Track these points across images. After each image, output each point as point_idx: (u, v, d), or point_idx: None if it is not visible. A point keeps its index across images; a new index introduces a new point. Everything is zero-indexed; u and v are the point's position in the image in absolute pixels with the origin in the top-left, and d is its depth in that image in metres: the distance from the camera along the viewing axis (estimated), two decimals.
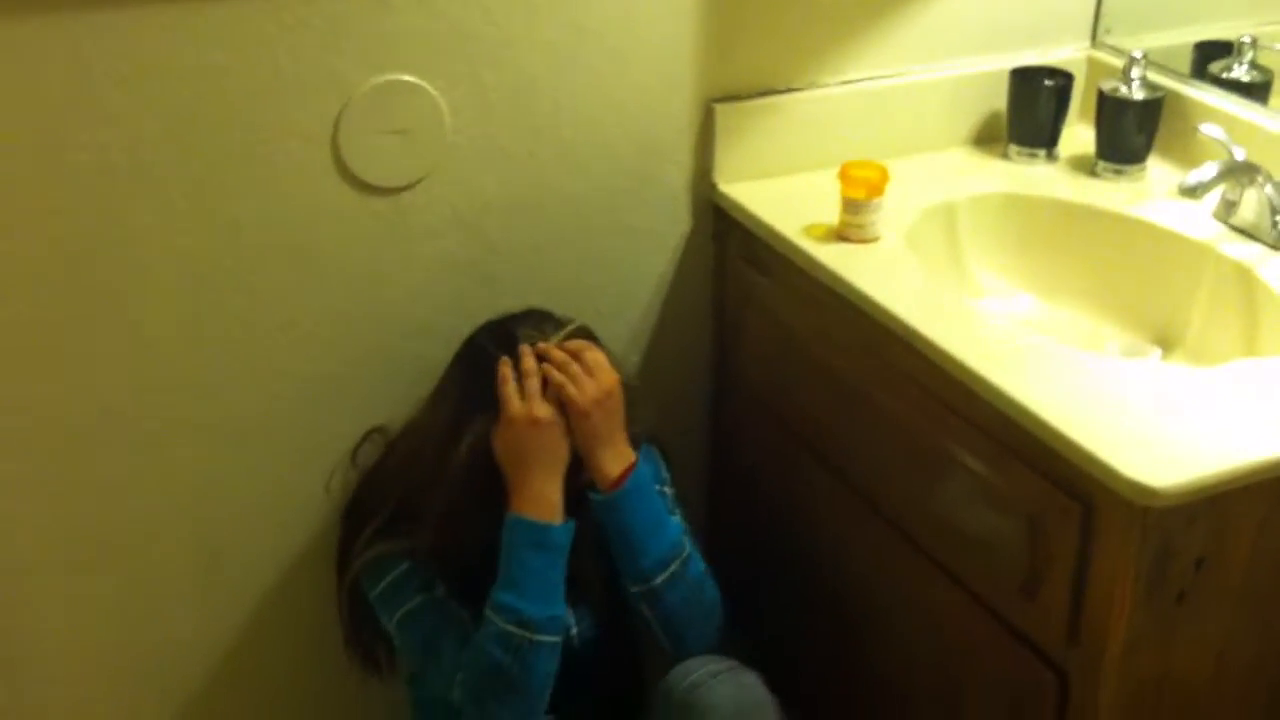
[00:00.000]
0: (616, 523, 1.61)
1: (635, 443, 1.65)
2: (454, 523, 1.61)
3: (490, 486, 1.58)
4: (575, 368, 1.58)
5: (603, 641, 1.69)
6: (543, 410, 1.56)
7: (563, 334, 1.62)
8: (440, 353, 1.72)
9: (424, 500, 1.62)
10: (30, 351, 1.61)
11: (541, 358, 1.59)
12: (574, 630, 1.67)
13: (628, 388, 1.64)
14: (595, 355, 1.60)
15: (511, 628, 1.54)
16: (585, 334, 1.65)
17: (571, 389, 1.56)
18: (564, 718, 1.61)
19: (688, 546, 1.65)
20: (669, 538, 1.63)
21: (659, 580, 1.62)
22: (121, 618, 1.80)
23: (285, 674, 1.93)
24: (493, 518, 1.58)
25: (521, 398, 1.56)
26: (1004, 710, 1.53)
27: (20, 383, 1.62)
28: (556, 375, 1.57)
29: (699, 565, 1.66)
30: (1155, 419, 1.38)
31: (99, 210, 1.58)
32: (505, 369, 1.58)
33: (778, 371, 1.86)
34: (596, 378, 1.58)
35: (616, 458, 1.60)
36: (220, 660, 1.88)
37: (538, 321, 1.65)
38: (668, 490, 1.73)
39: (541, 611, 1.55)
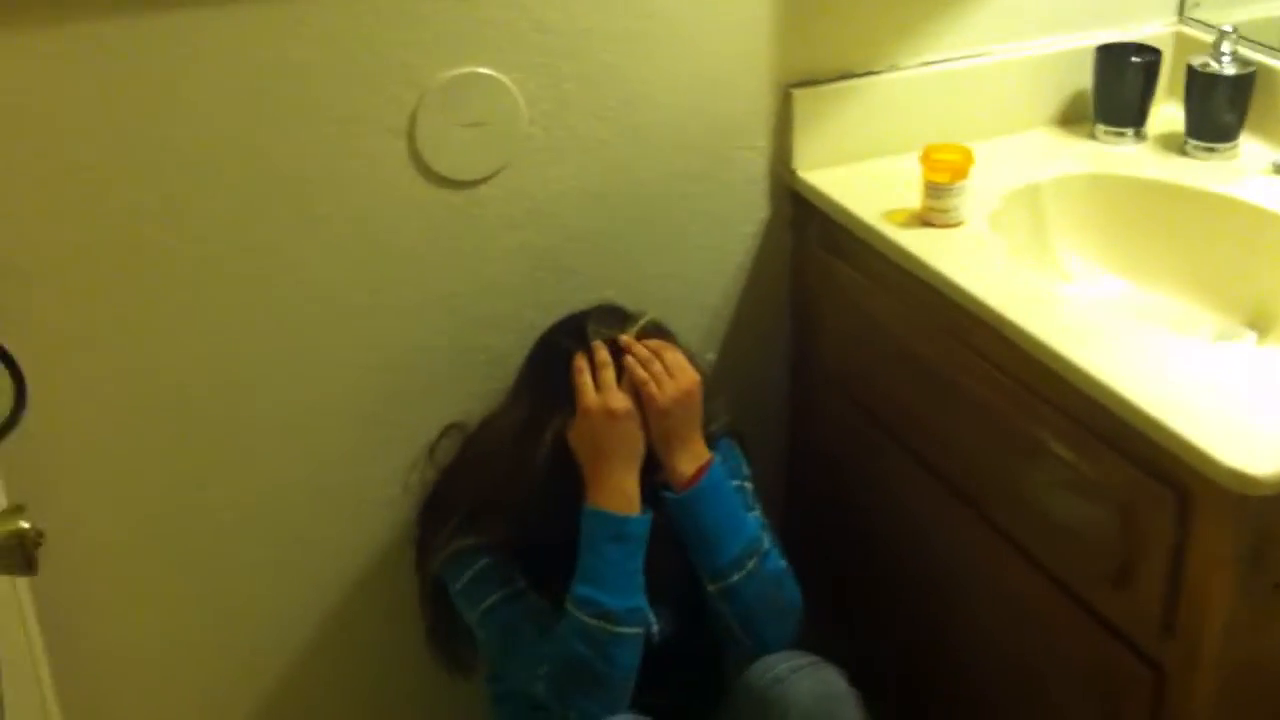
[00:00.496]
0: (691, 521, 1.61)
1: (712, 439, 1.64)
2: (531, 518, 1.61)
3: (567, 482, 1.58)
4: (657, 365, 1.58)
5: (682, 637, 1.68)
6: (619, 401, 1.55)
7: (638, 327, 1.62)
8: (515, 345, 1.72)
9: (502, 497, 1.62)
10: (102, 345, 1.63)
11: (621, 352, 1.58)
12: (655, 627, 1.66)
13: (704, 384, 1.62)
14: (675, 355, 1.61)
15: (592, 621, 1.53)
16: (658, 327, 1.65)
17: (653, 387, 1.57)
18: (642, 711, 1.59)
19: (765, 543, 1.64)
20: (745, 535, 1.62)
21: (735, 578, 1.61)
22: (198, 614, 1.81)
23: (364, 669, 1.94)
24: (571, 512, 1.58)
25: (597, 390, 1.56)
26: (1095, 703, 1.50)
27: (92, 377, 1.64)
28: (640, 372, 1.57)
29: (778, 562, 1.65)
30: (1252, 404, 1.34)
31: (173, 204, 1.59)
32: (580, 361, 1.58)
33: (859, 359, 1.84)
34: (676, 378, 1.58)
35: (692, 457, 1.60)
36: (299, 656, 1.89)
37: (608, 316, 1.65)
38: (748, 485, 1.72)
39: (622, 603, 1.54)
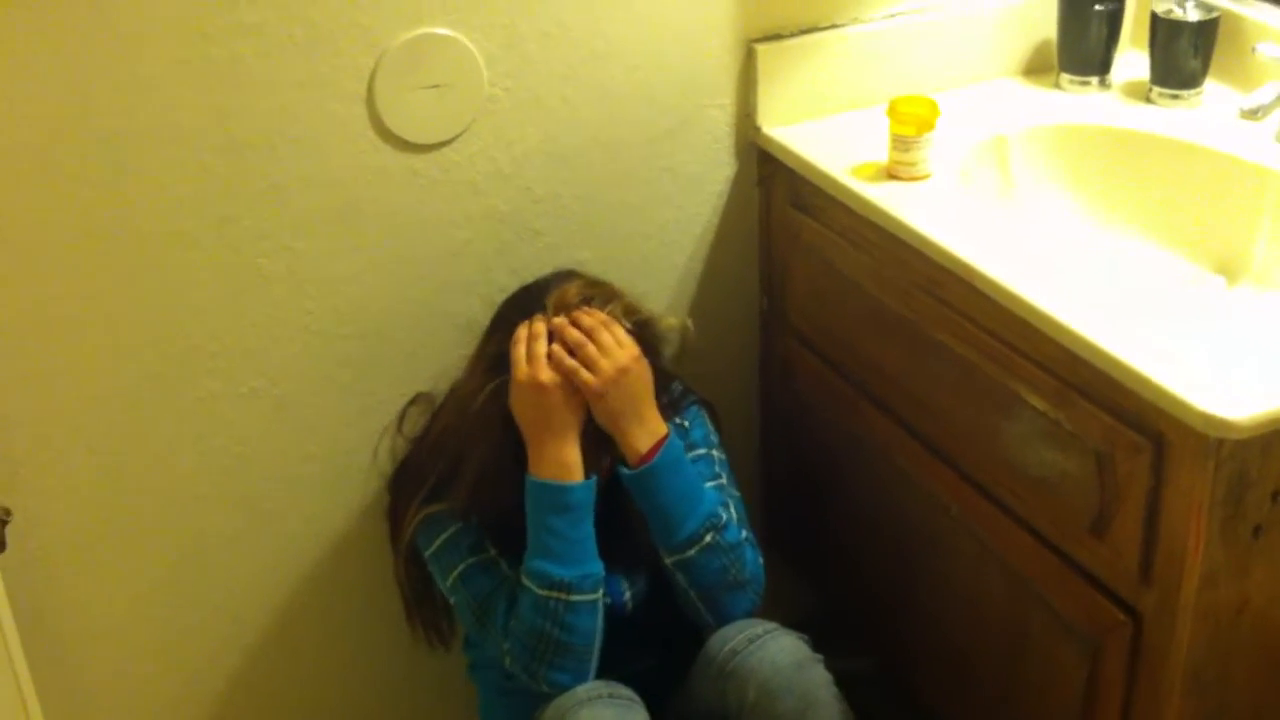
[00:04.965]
0: (646, 497, 1.60)
1: (675, 407, 1.62)
2: (489, 486, 1.60)
3: (518, 449, 1.57)
4: (590, 349, 1.54)
5: (658, 602, 1.68)
6: (546, 374, 1.53)
7: (570, 306, 1.59)
8: (484, 310, 1.70)
9: (463, 466, 1.62)
10: (71, 325, 1.61)
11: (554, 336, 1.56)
12: (627, 595, 1.66)
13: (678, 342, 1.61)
14: (612, 332, 1.57)
15: (545, 593, 1.54)
16: (605, 296, 1.62)
17: (584, 374, 1.54)
18: (624, 678, 1.59)
19: (724, 517, 1.63)
20: (702, 510, 1.61)
21: (691, 553, 1.60)
22: (172, 586, 1.80)
23: (339, 639, 1.93)
24: (522, 481, 1.57)
25: (529, 361, 1.54)
26: (1076, 653, 1.50)
27: (64, 355, 1.62)
28: (568, 361, 1.54)
29: (736, 533, 1.64)
30: (1224, 349, 1.34)
31: (133, 178, 1.57)
32: (520, 332, 1.57)
33: (829, 315, 1.83)
34: (612, 356, 1.55)
35: (645, 434, 1.58)
36: (273, 627, 1.88)
37: (562, 281, 1.63)
38: (715, 454, 1.70)
39: (573, 572, 1.54)
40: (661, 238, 1.88)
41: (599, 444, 1.59)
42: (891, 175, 1.69)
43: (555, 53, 1.71)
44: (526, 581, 1.55)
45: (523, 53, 1.69)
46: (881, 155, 1.71)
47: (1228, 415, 1.24)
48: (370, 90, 1.63)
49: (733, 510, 1.66)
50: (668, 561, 1.61)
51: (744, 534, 1.65)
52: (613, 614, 1.64)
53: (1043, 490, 1.49)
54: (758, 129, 1.85)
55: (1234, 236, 1.68)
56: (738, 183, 1.90)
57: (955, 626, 1.72)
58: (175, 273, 1.63)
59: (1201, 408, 1.25)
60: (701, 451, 1.69)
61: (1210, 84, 1.84)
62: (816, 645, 1.60)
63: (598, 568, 1.57)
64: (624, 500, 1.61)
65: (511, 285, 1.69)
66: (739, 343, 2.01)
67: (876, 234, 1.66)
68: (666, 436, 1.59)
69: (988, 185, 1.74)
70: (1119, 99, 1.87)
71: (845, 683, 1.58)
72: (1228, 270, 1.68)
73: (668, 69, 1.78)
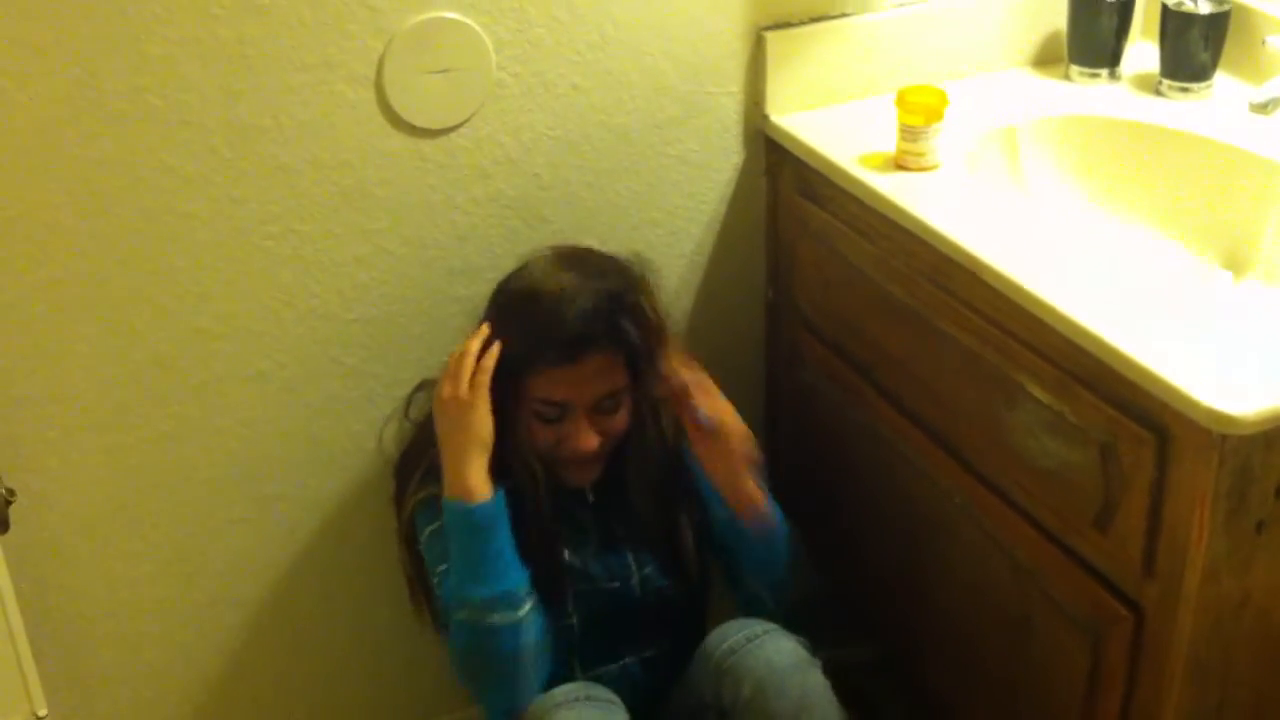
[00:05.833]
0: (749, 543, 1.65)
1: None
2: None
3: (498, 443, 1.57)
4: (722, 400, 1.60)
5: (669, 587, 1.68)
6: (460, 390, 1.53)
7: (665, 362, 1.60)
8: (488, 295, 1.70)
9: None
10: (79, 307, 1.61)
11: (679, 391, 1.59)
12: (635, 578, 1.66)
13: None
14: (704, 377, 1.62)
15: (464, 615, 1.53)
16: (633, 271, 1.63)
17: (730, 415, 1.59)
18: (637, 662, 1.59)
19: (787, 528, 1.68)
20: (781, 536, 1.66)
21: (782, 574, 1.68)
22: (176, 568, 1.80)
23: (340, 622, 1.94)
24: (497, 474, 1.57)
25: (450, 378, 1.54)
26: (1079, 645, 1.51)
27: (70, 338, 1.62)
28: (698, 414, 1.58)
29: (788, 531, 1.69)
30: (1230, 343, 1.34)
31: (141, 159, 1.57)
32: (463, 344, 1.57)
33: (836, 303, 1.83)
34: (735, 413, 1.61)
35: (756, 486, 1.62)
36: (276, 612, 1.89)
37: (567, 261, 1.62)
38: None
39: (486, 592, 1.52)
40: (669, 225, 1.88)
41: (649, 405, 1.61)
42: (900, 165, 1.69)
43: (564, 38, 1.71)
44: (449, 603, 1.55)
45: (532, 37, 1.69)
46: (890, 145, 1.70)
47: (1232, 410, 1.24)
48: (379, 74, 1.63)
49: None
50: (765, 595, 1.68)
51: (787, 530, 1.70)
52: (621, 597, 1.64)
53: (1047, 482, 1.49)
54: (766, 117, 1.84)
55: (1242, 231, 1.68)
56: (745, 171, 1.89)
57: (960, 614, 1.72)
58: (183, 254, 1.63)
59: (1206, 402, 1.25)
60: None
61: (1220, 77, 1.83)
62: (820, 632, 1.61)
63: (515, 582, 1.54)
64: (630, 480, 1.62)
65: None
66: (745, 330, 2.01)
67: (884, 224, 1.65)
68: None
69: (996, 176, 1.74)
70: (1129, 91, 1.87)
71: (848, 670, 1.59)
72: (1235, 264, 1.67)
73: (677, 55, 1.78)
